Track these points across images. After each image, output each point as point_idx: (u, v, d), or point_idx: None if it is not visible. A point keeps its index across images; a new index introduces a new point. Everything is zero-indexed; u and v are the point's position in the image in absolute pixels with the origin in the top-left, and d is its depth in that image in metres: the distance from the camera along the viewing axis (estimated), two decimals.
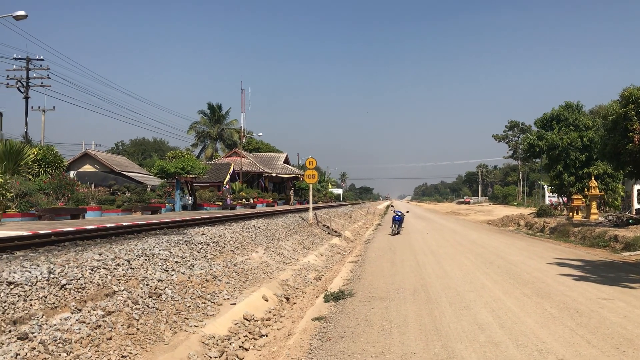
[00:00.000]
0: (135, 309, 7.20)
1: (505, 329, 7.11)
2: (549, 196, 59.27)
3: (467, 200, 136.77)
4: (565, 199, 37.38)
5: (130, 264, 8.67)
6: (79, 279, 7.09)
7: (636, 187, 34.25)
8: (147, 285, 8.21)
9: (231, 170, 46.69)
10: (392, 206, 51.71)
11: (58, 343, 5.64)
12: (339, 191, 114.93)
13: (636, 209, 29.90)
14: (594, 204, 28.58)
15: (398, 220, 25.95)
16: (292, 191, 58.18)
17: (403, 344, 6.51)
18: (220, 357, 6.87)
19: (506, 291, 10.02)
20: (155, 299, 7.85)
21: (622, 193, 35.98)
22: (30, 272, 6.66)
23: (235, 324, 8.30)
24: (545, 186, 53.47)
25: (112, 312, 6.77)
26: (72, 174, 35.91)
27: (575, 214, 29.79)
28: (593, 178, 29.82)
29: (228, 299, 9.41)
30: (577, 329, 7.09)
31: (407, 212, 35.46)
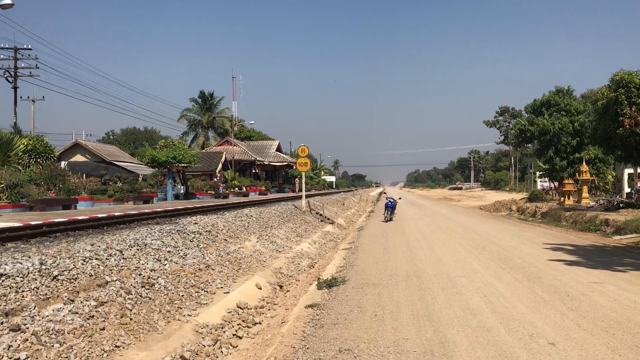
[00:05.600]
0: (128, 299, 7.20)
1: (497, 314, 7.17)
2: (540, 181, 59.62)
3: (460, 186, 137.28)
4: (556, 183, 37.60)
5: (123, 254, 8.66)
6: (71, 269, 7.08)
7: (627, 171, 34.49)
8: (140, 275, 8.20)
9: (223, 158, 46.58)
10: (385, 193, 51.78)
11: (51, 334, 5.64)
12: (332, 178, 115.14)
13: (627, 193, 30.14)
14: (585, 189, 28.76)
15: (390, 207, 26.01)
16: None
17: (395, 330, 6.55)
18: (214, 345, 6.89)
19: (498, 276, 10.09)
20: (148, 289, 7.85)
21: (612, 178, 36.22)
22: (21, 264, 6.64)
23: (229, 312, 8.32)
24: (537, 172, 53.71)
25: (105, 302, 6.77)
26: (63, 164, 35.71)
27: (566, 199, 29.97)
28: (584, 163, 29.98)
29: (221, 287, 9.42)
30: (567, 313, 7.16)
31: (400, 198, 35.57)
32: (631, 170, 34.00)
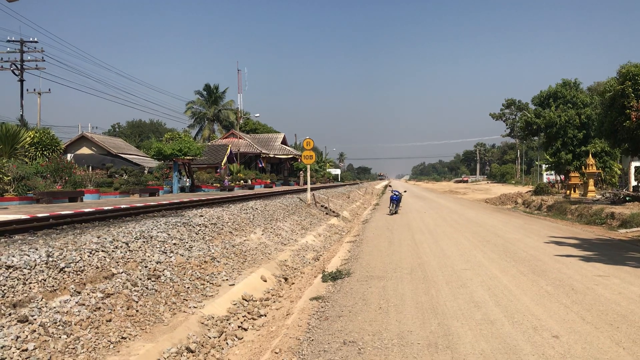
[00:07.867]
0: (135, 290, 7.25)
1: (501, 307, 7.18)
2: (546, 174, 59.37)
3: (465, 179, 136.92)
4: (562, 177, 37.45)
5: (129, 247, 8.71)
6: (77, 262, 7.13)
7: (633, 164, 34.30)
8: (146, 267, 8.26)
9: (228, 151, 46.63)
10: (390, 186, 51.75)
11: (58, 325, 5.70)
12: (337, 171, 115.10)
13: (633, 186, 30.03)
14: (591, 182, 28.64)
15: (396, 200, 25.99)
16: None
17: (400, 323, 6.57)
18: (219, 337, 6.94)
19: (502, 269, 10.10)
20: (154, 281, 7.90)
21: (618, 171, 36.04)
22: (29, 256, 6.69)
23: (234, 304, 8.37)
24: (543, 165, 53.52)
25: (112, 294, 6.83)
26: (69, 156, 35.89)
27: (572, 192, 29.86)
28: (590, 155, 29.84)
29: (227, 280, 9.47)
30: (572, 306, 7.16)
31: (405, 191, 35.53)
32: (638, 164, 33.84)
